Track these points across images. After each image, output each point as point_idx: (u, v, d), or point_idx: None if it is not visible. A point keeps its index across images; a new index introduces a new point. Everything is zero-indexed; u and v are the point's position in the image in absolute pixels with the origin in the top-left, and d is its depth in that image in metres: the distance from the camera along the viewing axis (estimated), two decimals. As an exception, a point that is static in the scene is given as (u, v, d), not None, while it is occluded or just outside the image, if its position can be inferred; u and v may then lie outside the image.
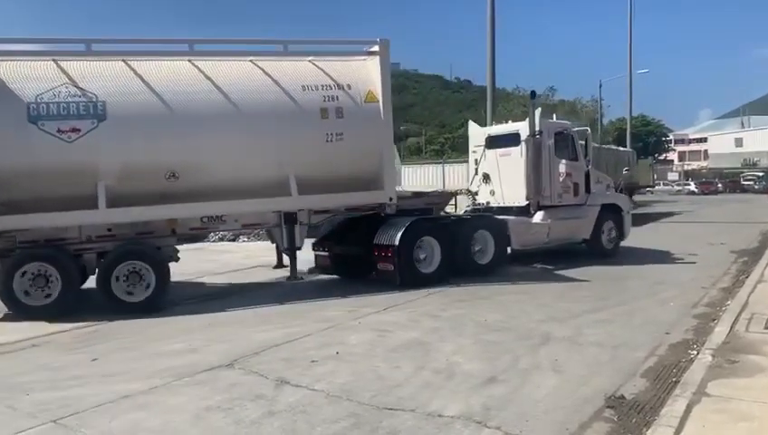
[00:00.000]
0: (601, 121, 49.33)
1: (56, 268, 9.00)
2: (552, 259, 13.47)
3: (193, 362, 6.56)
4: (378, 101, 10.73)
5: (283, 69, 10.53)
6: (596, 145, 25.75)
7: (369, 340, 7.31)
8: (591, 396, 5.32)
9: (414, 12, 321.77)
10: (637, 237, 15.65)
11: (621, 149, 30.65)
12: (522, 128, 13.53)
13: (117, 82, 9.49)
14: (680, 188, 65.17)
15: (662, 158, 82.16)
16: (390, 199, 10.87)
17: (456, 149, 66.12)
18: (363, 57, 11.09)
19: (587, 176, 13.97)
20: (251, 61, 10.44)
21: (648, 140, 72.98)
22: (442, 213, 13.01)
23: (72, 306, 9.06)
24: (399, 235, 10.57)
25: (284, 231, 10.52)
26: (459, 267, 11.36)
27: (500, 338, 7.31)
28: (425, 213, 11.87)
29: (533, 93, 14.22)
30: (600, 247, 14.08)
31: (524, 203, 13.29)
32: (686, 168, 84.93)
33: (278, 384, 5.74)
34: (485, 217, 12.66)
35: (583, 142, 14.25)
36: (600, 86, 47.67)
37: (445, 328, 7.85)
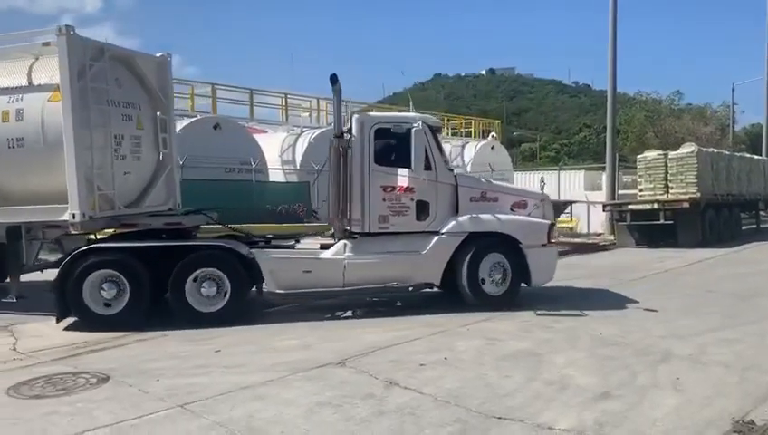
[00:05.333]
0: (734, 128, 46.05)
1: None
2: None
3: (306, 358, 6.82)
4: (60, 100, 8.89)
5: None
6: (727, 153, 24.06)
7: (477, 347, 7.25)
8: (716, 419, 5.00)
9: (530, 15, 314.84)
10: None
11: (756, 157, 28.34)
12: (354, 124, 9.70)
13: None
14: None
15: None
16: (74, 217, 8.77)
17: (573, 155, 64.23)
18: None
19: (455, 190, 9.79)
20: None
21: (788, 148, 67.15)
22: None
23: None
24: (61, 266, 8.65)
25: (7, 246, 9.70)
26: (173, 312, 9.03)
27: (616, 353, 7.03)
28: (178, 236, 9.57)
29: (334, 77, 9.60)
30: (472, 294, 9.52)
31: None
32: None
33: (387, 385, 5.84)
34: (217, 249, 9.22)
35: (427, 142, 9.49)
36: (733, 90, 44.76)
37: (558, 340, 7.64)
